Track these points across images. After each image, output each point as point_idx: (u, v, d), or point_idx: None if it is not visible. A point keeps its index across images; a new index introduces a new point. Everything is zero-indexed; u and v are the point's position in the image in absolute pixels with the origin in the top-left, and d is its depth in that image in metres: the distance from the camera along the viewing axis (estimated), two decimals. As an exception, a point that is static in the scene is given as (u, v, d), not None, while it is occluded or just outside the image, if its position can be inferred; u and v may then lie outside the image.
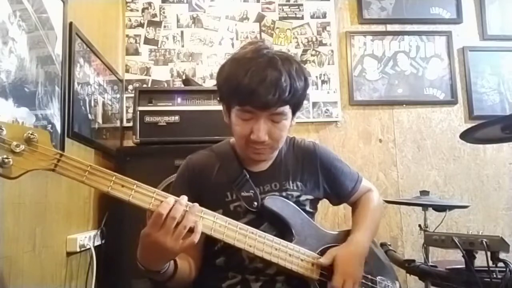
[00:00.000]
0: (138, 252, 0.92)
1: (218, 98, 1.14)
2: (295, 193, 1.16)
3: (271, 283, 1.08)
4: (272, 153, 1.14)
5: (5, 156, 0.79)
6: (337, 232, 1.20)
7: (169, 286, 0.99)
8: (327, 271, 1.07)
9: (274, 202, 1.10)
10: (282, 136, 1.08)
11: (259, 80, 0.98)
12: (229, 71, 1.04)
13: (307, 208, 1.18)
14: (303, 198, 1.17)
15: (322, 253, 1.10)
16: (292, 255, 1.04)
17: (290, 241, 1.07)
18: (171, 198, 0.89)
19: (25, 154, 0.82)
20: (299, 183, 1.18)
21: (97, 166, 0.87)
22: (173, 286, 1.01)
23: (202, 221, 0.94)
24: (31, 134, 0.82)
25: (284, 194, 1.14)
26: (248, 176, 1.13)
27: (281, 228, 1.10)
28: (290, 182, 1.17)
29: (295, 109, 1.08)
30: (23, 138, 0.82)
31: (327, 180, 1.23)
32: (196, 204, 0.92)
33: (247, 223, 1.03)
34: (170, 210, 0.86)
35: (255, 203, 1.10)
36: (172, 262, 0.96)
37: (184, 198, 0.90)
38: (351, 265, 1.07)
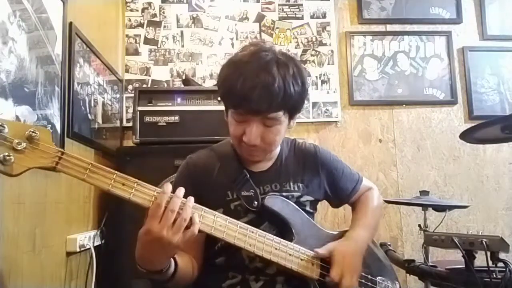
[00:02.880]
0: (137, 253, 0.91)
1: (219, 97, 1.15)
2: (296, 194, 1.16)
3: (271, 283, 1.08)
4: (266, 155, 1.14)
5: (6, 154, 0.79)
6: (337, 232, 1.20)
7: (170, 286, 0.99)
8: (327, 270, 1.07)
9: (274, 202, 1.10)
10: (275, 140, 1.08)
11: (251, 86, 0.97)
12: (226, 74, 1.05)
13: (307, 208, 1.18)
14: (303, 198, 1.17)
15: (321, 252, 1.10)
16: (292, 255, 1.04)
17: (290, 240, 1.07)
18: (169, 189, 0.89)
19: (26, 151, 0.82)
20: (300, 184, 1.18)
21: (98, 164, 0.87)
22: (175, 286, 1.00)
23: (203, 220, 0.94)
24: (33, 132, 0.83)
25: (284, 194, 1.14)
26: (248, 175, 1.13)
27: (281, 227, 1.10)
28: (291, 183, 1.17)
29: (291, 113, 1.08)
30: (24, 136, 0.82)
31: (328, 182, 1.23)
32: (191, 197, 0.92)
33: (247, 223, 1.03)
34: (168, 203, 0.87)
35: (255, 202, 1.10)
36: (172, 261, 0.96)
37: (180, 191, 0.90)
38: (349, 258, 1.07)
